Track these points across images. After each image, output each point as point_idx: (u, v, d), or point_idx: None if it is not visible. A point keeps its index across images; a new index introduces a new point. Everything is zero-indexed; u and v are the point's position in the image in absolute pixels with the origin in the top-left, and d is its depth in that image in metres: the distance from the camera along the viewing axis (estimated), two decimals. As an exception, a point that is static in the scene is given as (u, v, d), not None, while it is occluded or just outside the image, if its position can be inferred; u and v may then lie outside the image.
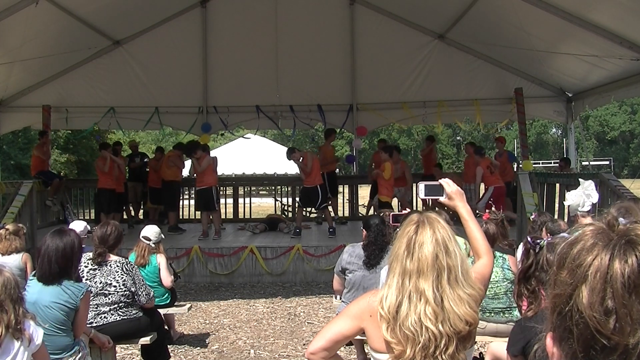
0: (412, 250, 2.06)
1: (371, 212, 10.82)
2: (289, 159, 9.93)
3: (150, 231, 5.78)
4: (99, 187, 10.57)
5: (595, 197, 4.88)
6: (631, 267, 0.98)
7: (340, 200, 13.39)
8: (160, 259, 5.73)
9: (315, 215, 11.89)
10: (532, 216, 5.28)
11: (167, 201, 11.05)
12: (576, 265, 1.03)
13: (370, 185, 11.58)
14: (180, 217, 12.17)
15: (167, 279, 5.73)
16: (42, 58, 9.98)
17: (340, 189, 14.30)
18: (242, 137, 14.12)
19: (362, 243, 5.03)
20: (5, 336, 2.61)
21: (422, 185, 2.56)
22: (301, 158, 9.74)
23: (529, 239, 2.58)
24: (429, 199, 2.64)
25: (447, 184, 2.48)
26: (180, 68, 11.98)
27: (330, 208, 10.65)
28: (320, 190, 9.62)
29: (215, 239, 9.67)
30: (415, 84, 11.93)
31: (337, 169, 12.57)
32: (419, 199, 10.19)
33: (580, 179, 5.18)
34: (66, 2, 9.26)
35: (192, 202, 12.01)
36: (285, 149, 11.42)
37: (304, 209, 11.12)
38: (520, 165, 11.81)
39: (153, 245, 5.72)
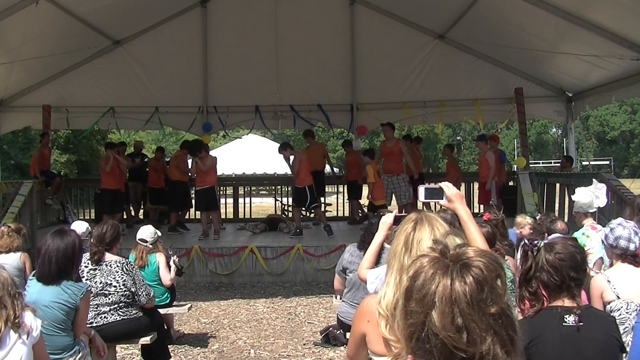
0: (410, 246, 2.06)
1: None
2: (279, 153, 10.01)
3: (146, 232, 5.78)
4: (101, 187, 10.51)
5: (602, 202, 4.87)
6: (470, 286, 1.14)
7: (340, 200, 13.40)
8: (159, 258, 5.73)
9: (313, 215, 11.89)
10: (539, 216, 5.27)
11: (172, 201, 11.02)
12: (423, 295, 1.17)
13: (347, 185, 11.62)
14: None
15: (166, 277, 5.73)
16: (42, 58, 9.97)
17: (340, 188, 14.31)
18: (242, 137, 14.19)
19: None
20: (5, 330, 2.65)
21: (422, 189, 2.56)
22: (291, 157, 9.80)
23: (526, 241, 2.58)
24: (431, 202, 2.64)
25: (447, 186, 2.48)
26: (180, 68, 11.96)
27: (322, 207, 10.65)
28: (309, 191, 9.63)
29: (216, 238, 9.68)
30: (415, 84, 11.91)
31: (336, 169, 12.38)
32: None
33: (594, 179, 5.18)
34: (66, 2, 9.25)
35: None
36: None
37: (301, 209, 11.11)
38: (514, 163, 11.83)
39: (150, 246, 5.73)
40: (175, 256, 6.04)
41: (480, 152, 10.80)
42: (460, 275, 1.16)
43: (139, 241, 5.72)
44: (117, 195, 10.46)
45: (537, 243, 2.52)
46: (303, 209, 10.53)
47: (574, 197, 5.07)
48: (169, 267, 5.82)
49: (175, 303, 6.04)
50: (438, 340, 1.14)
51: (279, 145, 10.50)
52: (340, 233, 10.37)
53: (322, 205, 12.26)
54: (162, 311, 5.49)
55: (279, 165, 18.56)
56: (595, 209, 4.91)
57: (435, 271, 1.18)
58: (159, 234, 5.95)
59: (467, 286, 1.14)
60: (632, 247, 3.39)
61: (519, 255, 4.99)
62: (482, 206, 10.87)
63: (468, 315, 1.13)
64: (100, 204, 10.77)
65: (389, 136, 10.51)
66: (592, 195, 4.85)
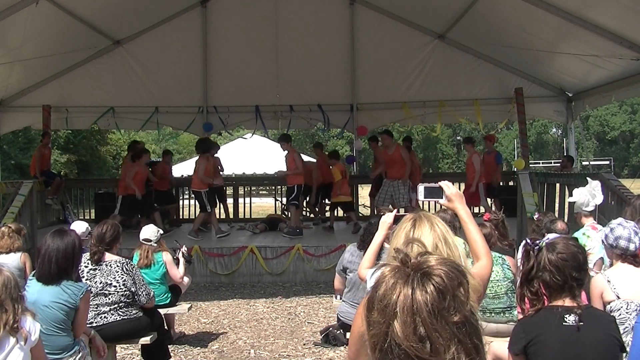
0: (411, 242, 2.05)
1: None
2: (279, 142, 10.02)
3: (149, 232, 5.81)
4: (127, 193, 9.99)
5: (599, 199, 4.87)
6: (431, 295, 1.13)
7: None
8: (166, 257, 5.78)
9: (312, 215, 11.90)
10: (536, 216, 5.26)
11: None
12: (384, 305, 1.16)
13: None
14: (180, 217, 12.20)
15: (177, 274, 5.81)
16: (42, 58, 9.97)
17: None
18: (245, 136, 14.32)
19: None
20: (2, 334, 2.63)
21: (421, 188, 2.56)
22: (287, 152, 9.82)
23: (528, 240, 2.57)
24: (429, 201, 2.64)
25: (447, 186, 2.48)
26: (180, 68, 11.97)
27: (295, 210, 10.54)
28: (297, 190, 9.67)
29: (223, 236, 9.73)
30: (415, 84, 11.92)
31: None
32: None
33: (588, 178, 5.18)
34: (66, 2, 9.25)
35: (191, 201, 12.04)
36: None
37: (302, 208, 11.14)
38: (514, 165, 11.86)
39: (155, 245, 5.76)
40: (184, 247, 6.18)
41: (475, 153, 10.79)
42: (421, 285, 1.14)
43: (143, 241, 5.76)
44: (140, 199, 10.08)
45: (539, 243, 2.51)
46: (307, 208, 10.55)
47: (571, 199, 5.08)
48: (177, 262, 5.92)
49: (176, 303, 6.05)
50: (401, 350, 1.13)
51: (280, 135, 10.54)
52: (340, 233, 10.37)
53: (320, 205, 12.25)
54: (162, 311, 5.49)
55: (279, 165, 18.55)
56: (593, 208, 4.90)
57: (396, 281, 1.16)
58: (162, 232, 6.00)
59: (428, 295, 1.13)
60: (632, 247, 3.39)
61: (520, 255, 4.99)
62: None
63: (430, 325, 1.12)
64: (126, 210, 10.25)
65: (388, 143, 10.51)
66: (588, 195, 4.85)
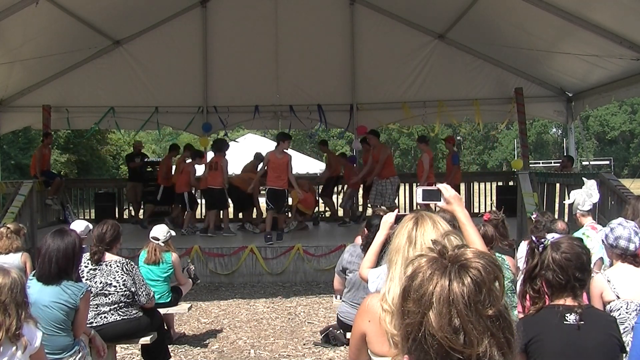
0: (414, 240, 2.05)
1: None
2: (280, 139, 9.86)
3: (159, 231, 5.88)
4: (209, 185, 10.20)
5: (596, 197, 4.88)
6: (468, 288, 1.15)
7: (339, 201, 13.40)
8: (175, 259, 5.89)
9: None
10: (534, 215, 5.26)
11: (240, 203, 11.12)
12: (420, 295, 1.18)
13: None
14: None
15: (181, 278, 6.00)
16: (42, 58, 9.97)
17: (340, 188, 14.30)
18: (238, 140, 14.36)
19: (361, 243, 5.05)
20: (4, 341, 2.57)
21: (420, 190, 2.56)
22: (280, 150, 9.67)
23: (533, 238, 2.57)
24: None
25: (445, 188, 2.48)
26: (180, 68, 11.97)
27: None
28: (287, 194, 9.63)
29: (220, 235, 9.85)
30: (415, 84, 11.92)
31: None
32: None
33: (583, 178, 5.19)
34: (66, 2, 9.26)
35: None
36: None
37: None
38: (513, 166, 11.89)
39: (163, 244, 5.80)
40: (192, 266, 6.44)
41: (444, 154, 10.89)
42: (458, 276, 1.15)
43: (151, 239, 5.83)
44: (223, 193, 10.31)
45: (544, 241, 2.51)
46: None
47: (568, 201, 5.09)
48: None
49: (177, 303, 6.07)
50: (435, 341, 1.14)
51: (280, 133, 10.48)
52: (340, 233, 10.38)
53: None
54: (162, 311, 5.50)
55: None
56: (590, 206, 4.91)
57: (434, 271, 1.18)
58: (173, 233, 6.05)
59: (465, 287, 1.14)
60: (632, 247, 3.39)
61: (520, 252, 4.98)
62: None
63: (465, 317, 1.13)
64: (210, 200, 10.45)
65: (374, 143, 10.54)
66: (584, 194, 4.86)
